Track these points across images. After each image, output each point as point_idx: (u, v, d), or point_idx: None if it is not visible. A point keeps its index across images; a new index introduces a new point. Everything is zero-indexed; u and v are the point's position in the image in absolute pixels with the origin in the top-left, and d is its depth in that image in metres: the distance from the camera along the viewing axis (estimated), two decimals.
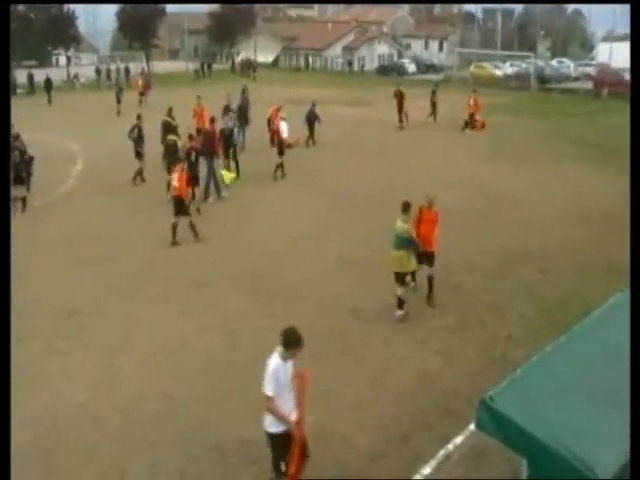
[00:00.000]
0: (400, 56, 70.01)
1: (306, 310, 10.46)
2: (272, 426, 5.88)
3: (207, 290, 11.37)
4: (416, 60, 63.77)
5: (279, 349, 5.82)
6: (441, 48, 74.47)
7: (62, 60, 60.55)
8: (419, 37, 75.97)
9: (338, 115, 29.14)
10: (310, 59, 68.29)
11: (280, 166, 19.07)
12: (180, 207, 13.49)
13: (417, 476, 6.76)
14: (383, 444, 7.22)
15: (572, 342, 5.80)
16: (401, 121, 27.56)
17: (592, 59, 56.33)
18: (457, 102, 30.26)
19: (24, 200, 15.90)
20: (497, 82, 46.61)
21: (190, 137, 16.15)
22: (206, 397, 8.08)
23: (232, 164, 18.71)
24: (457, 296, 11.08)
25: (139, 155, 18.14)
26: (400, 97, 27.54)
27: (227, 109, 21.08)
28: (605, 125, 28.41)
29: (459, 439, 7.21)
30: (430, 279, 10.56)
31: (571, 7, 78.78)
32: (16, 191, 15.86)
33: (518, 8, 78.56)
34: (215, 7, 67.83)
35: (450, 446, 7.13)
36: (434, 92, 29.37)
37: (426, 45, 75.39)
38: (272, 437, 5.94)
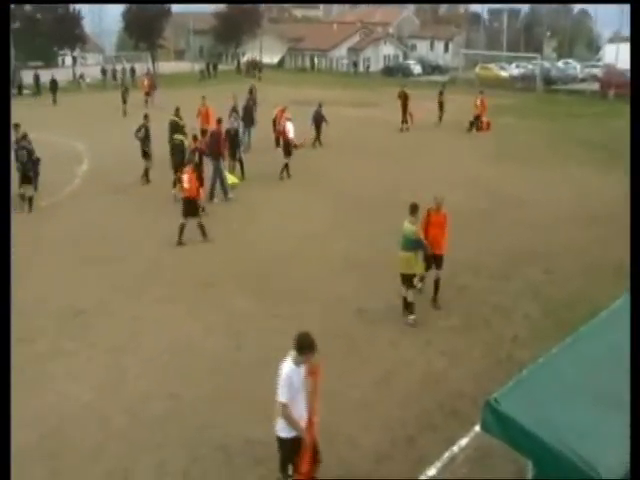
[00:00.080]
0: (405, 57, 69.97)
1: (311, 311, 10.47)
2: (283, 431, 5.82)
3: (213, 290, 11.39)
4: (421, 61, 63.74)
5: (292, 354, 5.74)
6: (447, 49, 74.38)
7: (68, 60, 60.75)
8: (424, 38, 75.88)
9: (343, 116, 29.14)
10: (315, 60, 68.33)
11: (286, 166, 19.10)
12: (190, 208, 13.52)
13: (422, 477, 6.75)
14: (388, 445, 7.22)
15: (578, 343, 5.78)
16: (405, 122, 27.55)
17: (599, 60, 56.16)
18: (463, 103, 30.24)
19: (31, 200, 15.94)
20: (503, 83, 46.54)
21: (194, 138, 16.18)
22: (212, 397, 8.10)
23: (237, 165, 18.72)
24: (462, 297, 11.07)
25: (146, 155, 18.18)
26: (404, 98, 27.54)
27: (234, 110, 21.13)
28: (611, 126, 28.31)
29: (464, 441, 7.20)
30: (437, 281, 10.53)
31: (577, 7, 78.53)
32: (24, 190, 15.94)
33: (524, 8, 78.40)
34: (221, 7, 67.95)
35: (455, 448, 7.12)
36: (441, 93, 29.36)
37: (431, 46, 75.29)
38: (283, 442, 5.89)
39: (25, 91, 43.56)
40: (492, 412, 4.92)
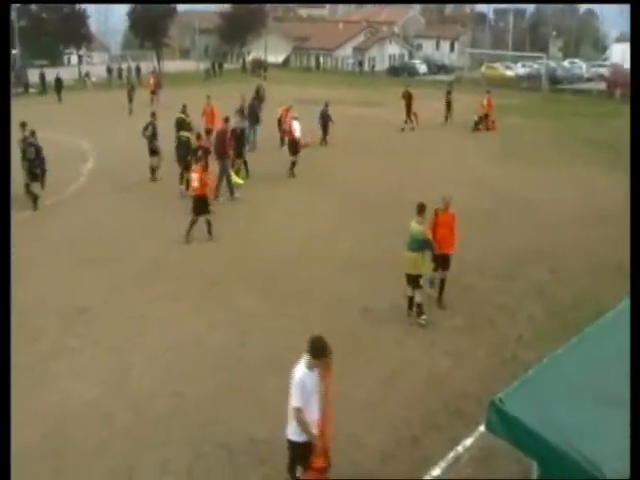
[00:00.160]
0: (411, 56, 69.94)
1: (317, 310, 10.47)
2: (295, 435, 5.77)
3: (218, 289, 11.39)
4: (427, 61, 63.70)
5: (305, 357, 5.67)
6: (452, 49, 74.31)
7: (74, 59, 61.01)
8: (430, 37, 75.84)
9: (349, 115, 29.14)
10: (321, 59, 68.33)
11: (294, 164, 19.11)
12: (200, 206, 13.59)
13: (427, 477, 6.74)
14: (393, 445, 7.21)
15: (583, 344, 5.76)
16: (410, 121, 27.52)
17: (605, 60, 56.05)
18: (469, 103, 30.18)
19: (36, 198, 15.98)
20: (508, 83, 46.47)
21: (198, 136, 16.19)
22: (216, 395, 8.10)
23: (242, 165, 18.72)
24: (467, 297, 11.05)
25: (154, 152, 18.21)
26: (408, 98, 27.53)
27: (241, 109, 21.13)
28: (618, 126, 28.18)
29: (469, 441, 7.19)
30: (442, 282, 10.51)
31: (584, 7, 78.39)
32: (31, 187, 15.98)
33: (530, 8, 78.32)
34: (226, 7, 68.07)
35: (460, 448, 7.11)
36: (449, 92, 29.32)
37: (437, 45, 75.25)
38: (294, 445, 5.84)
39: (31, 90, 43.71)
40: (497, 412, 4.90)
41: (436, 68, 61.64)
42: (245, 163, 18.80)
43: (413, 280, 9.84)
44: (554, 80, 47.51)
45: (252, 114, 22.36)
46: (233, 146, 17.36)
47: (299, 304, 10.70)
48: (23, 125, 16.37)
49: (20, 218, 14.91)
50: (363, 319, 10.21)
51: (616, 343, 5.66)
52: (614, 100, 39.34)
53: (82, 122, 28.98)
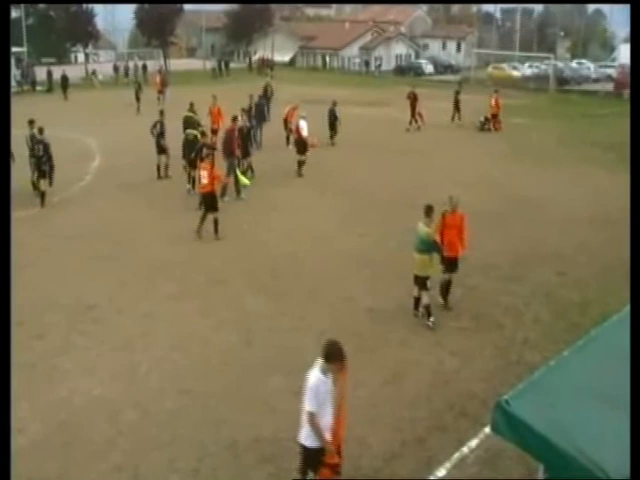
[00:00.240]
0: (417, 56, 69.78)
1: (322, 309, 10.48)
2: (308, 440, 5.71)
3: (224, 288, 11.41)
4: (433, 61, 63.55)
5: (319, 362, 5.61)
6: (459, 49, 74.08)
7: (81, 57, 61.16)
8: (437, 37, 75.62)
9: (355, 115, 29.12)
10: (327, 59, 68.28)
11: (302, 163, 19.13)
12: (209, 202, 13.70)
13: (432, 477, 6.74)
14: (398, 445, 7.21)
15: (589, 346, 5.75)
16: (415, 122, 27.49)
17: (613, 60, 55.78)
18: (475, 103, 30.12)
19: (44, 195, 16.03)
20: (515, 83, 46.35)
21: (202, 134, 16.21)
22: (222, 394, 8.11)
23: (248, 164, 18.72)
24: (473, 298, 11.03)
25: (162, 151, 18.23)
26: (413, 99, 27.50)
27: (249, 108, 21.16)
28: (626, 127, 28.05)
29: (474, 442, 7.18)
30: (449, 283, 10.48)
31: (592, 8, 78.00)
32: (39, 184, 16.05)
33: (537, 8, 77.95)
34: (233, 5, 68.12)
35: (465, 449, 7.10)
36: (458, 93, 29.28)
37: (444, 46, 75.03)
38: (306, 450, 5.79)
39: (39, 88, 43.87)
40: (503, 414, 4.90)
41: (442, 68, 61.49)
42: (250, 163, 18.79)
43: (421, 282, 9.81)
44: (561, 81, 47.37)
45: (259, 113, 22.39)
46: (240, 145, 17.38)
47: (305, 303, 10.71)
48: (31, 122, 16.44)
49: (27, 215, 14.99)
50: (369, 319, 10.21)
51: (622, 345, 5.64)
52: (622, 101, 39.12)
53: (89, 120, 29.06)
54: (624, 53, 50.35)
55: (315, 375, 5.59)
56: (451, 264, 10.28)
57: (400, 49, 69.85)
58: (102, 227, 14.66)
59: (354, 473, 6.72)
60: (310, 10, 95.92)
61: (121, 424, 7.54)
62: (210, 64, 58.40)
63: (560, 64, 52.68)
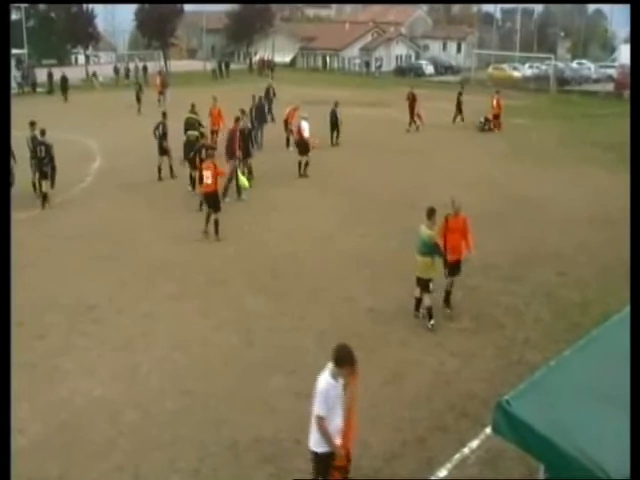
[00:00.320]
0: (418, 57, 69.79)
1: (322, 310, 10.48)
2: (317, 445, 5.66)
3: (225, 288, 11.41)
4: (434, 61, 63.54)
5: (330, 366, 5.57)
6: (459, 49, 74.07)
7: (81, 59, 61.21)
8: (437, 38, 75.60)
9: (356, 116, 29.12)
10: (328, 59, 68.30)
11: (305, 164, 19.14)
12: (212, 202, 13.73)
13: (432, 477, 6.73)
14: (398, 446, 7.21)
15: (590, 346, 5.74)
16: (414, 123, 27.50)
17: (613, 61, 55.77)
18: (475, 103, 30.14)
19: (45, 196, 16.03)
20: (516, 84, 46.35)
21: (202, 134, 16.20)
22: (223, 394, 8.11)
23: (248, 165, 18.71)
24: (474, 298, 11.02)
25: (165, 152, 18.24)
26: (412, 100, 27.51)
27: (250, 110, 21.16)
28: (626, 127, 28.07)
29: (475, 442, 7.17)
30: (450, 284, 10.45)
31: (592, 8, 77.97)
32: (40, 186, 16.06)
33: (538, 8, 77.87)
34: (233, 6, 68.15)
35: (466, 449, 7.10)
36: (460, 93, 29.29)
37: (444, 46, 75.02)
38: (317, 456, 5.74)
39: (39, 89, 43.89)
40: (503, 414, 4.89)
41: (443, 69, 61.50)
42: (250, 166, 18.76)
43: (423, 284, 9.78)
44: (562, 81, 47.37)
45: (259, 114, 22.38)
46: (241, 146, 17.36)
47: (305, 303, 10.71)
48: (32, 124, 16.44)
49: (28, 216, 15.00)
50: (369, 319, 10.21)
51: (623, 345, 5.63)
52: (622, 101, 39.10)
53: (89, 121, 29.07)
54: (624, 53, 50.38)
55: (325, 379, 5.53)
56: (454, 268, 10.21)
57: (400, 50, 69.86)
58: (102, 227, 14.67)
59: (354, 473, 6.71)
60: (310, 11, 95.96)
61: (122, 424, 7.54)
62: (210, 65, 58.41)
63: (560, 64, 52.69)
